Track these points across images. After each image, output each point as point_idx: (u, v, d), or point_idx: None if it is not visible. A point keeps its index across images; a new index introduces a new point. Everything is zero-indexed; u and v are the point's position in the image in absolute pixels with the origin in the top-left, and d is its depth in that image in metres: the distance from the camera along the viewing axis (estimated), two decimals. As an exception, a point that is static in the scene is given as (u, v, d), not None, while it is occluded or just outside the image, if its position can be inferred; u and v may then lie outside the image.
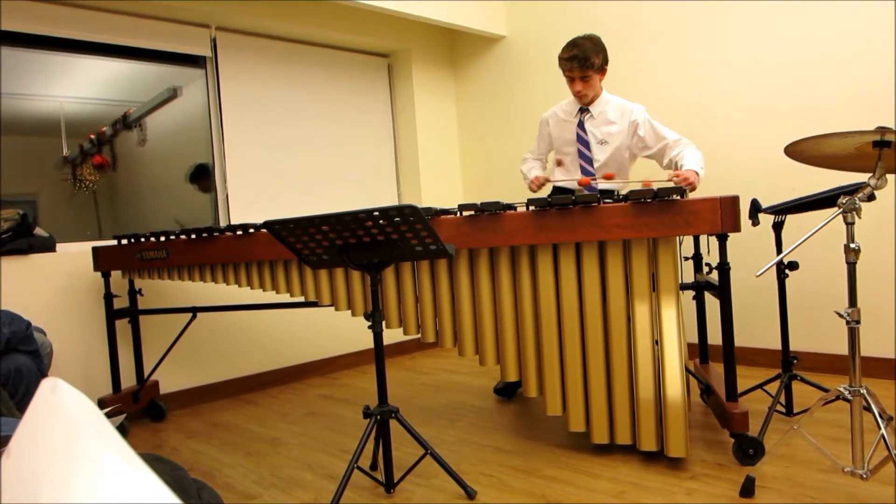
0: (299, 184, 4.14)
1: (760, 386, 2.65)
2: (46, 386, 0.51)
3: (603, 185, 2.88)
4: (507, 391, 3.18)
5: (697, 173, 2.57)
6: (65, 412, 0.48)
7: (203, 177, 3.85)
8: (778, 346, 2.71)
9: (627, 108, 2.90)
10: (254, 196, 3.93)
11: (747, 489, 1.89)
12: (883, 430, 1.62)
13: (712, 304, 2.61)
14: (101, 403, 3.06)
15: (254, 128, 3.94)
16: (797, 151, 1.75)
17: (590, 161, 2.94)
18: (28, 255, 3.02)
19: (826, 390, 2.15)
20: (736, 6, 3.39)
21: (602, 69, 2.85)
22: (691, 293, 2.81)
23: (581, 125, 2.96)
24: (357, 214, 1.83)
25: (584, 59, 2.77)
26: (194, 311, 3.11)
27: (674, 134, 2.82)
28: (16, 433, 0.49)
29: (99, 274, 3.16)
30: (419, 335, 2.45)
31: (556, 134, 3.05)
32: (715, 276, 2.33)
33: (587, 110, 2.95)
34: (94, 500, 0.40)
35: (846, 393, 1.69)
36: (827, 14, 3.10)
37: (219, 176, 3.85)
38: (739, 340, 3.21)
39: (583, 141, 2.95)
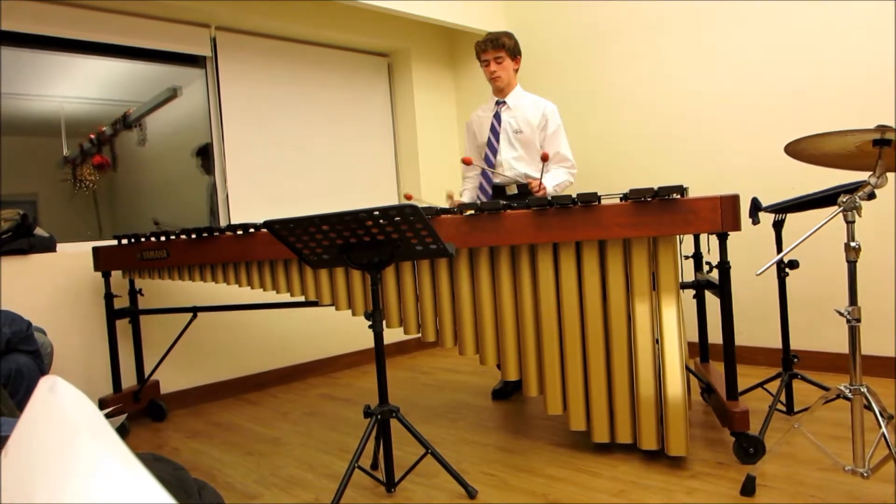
0: (299, 183, 4.14)
1: (761, 385, 2.65)
2: (44, 385, 0.51)
3: (499, 179, 3.09)
4: (504, 393, 3.18)
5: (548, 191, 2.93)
6: (62, 412, 0.48)
7: (209, 155, 3.85)
8: (778, 344, 2.70)
9: (541, 102, 3.11)
10: (254, 195, 3.92)
11: (748, 488, 1.89)
12: (884, 429, 1.62)
13: (713, 302, 2.61)
14: (102, 403, 3.06)
15: (254, 127, 3.94)
16: (797, 150, 1.75)
17: (495, 151, 3.09)
18: (28, 255, 3.02)
19: (827, 389, 2.15)
20: (736, 5, 3.38)
21: (515, 56, 3.09)
22: (692, 292, 2.81)
23: (497, 116, 3.12)
24: (357, 214, 1.82)
25: (495, 40, 3.03)
26: (195, 310, 3.11)
27: (568, 151, 3.07)
28: (14, 432, 0.48)
29: (99, 274, 3.15)
30: (419, 334, 2.45)
31: (479, 131, 3.20)
32: (715, 274, 2.33)
33: (504, 102, 3.12)
34: (89, 500, 0.40)
35: (847, 391, 1.69)
36: (827, 12, 3.09)
37: (219, 175, 3.85)
38: (740, 339, 3.21)
39: (494, 131, 3.10)
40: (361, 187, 4.48)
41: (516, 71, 3.13)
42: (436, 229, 1.92)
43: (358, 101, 4.50)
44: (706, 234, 2.63)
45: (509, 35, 3.07)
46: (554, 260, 2.26)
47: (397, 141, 4.74)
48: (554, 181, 3.00)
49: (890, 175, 1.71)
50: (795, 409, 2.54)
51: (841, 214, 1.65)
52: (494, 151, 3.09)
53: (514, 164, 3.06)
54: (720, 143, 3.48)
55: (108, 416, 0.84)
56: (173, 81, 3.75)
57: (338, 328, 4.06)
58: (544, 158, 2.87)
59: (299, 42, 4.18)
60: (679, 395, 2.10)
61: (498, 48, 3.02)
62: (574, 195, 2.15)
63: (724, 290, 2.22)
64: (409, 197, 2.89)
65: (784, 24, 3.23)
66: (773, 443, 2.06)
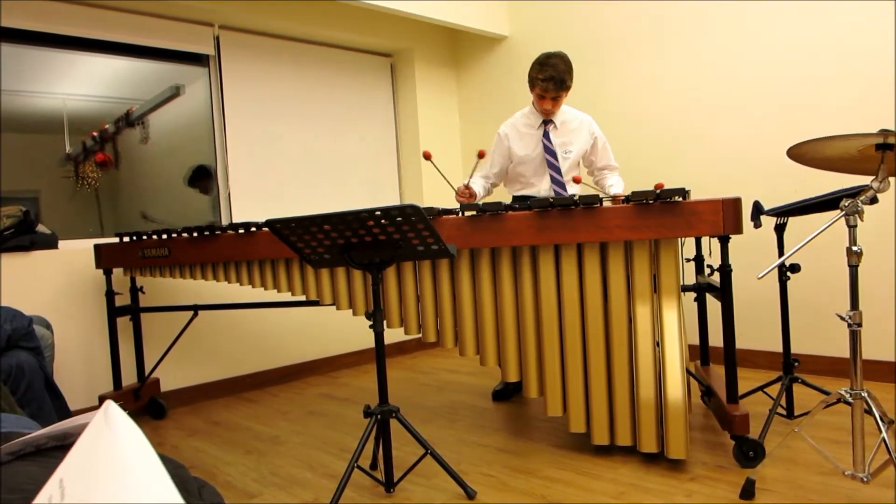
0: (301, 182, 4.14)
1: (761, 388, 2.65)
2: (101, 413, 0.52)
3: (571, 189, 3.01)
4: (505, 394, 3.18)
5: None
6: (116, 436, 0.49)
7: (202, 178, 3.85)
8: (779, 348, 2.70)
9: (585, 119, 3.03)
10: (256, 194, 3.93)
11: (747, 491, 1.89)
12: (884, 434, 1.62)
13: (714, 305, 2.61)
14: (102, 400, 3.07)
15: (256, 126, 3.94)
16: (800, 154, 1.75)
17: (559, 171, 2.98)
18: (30, 251, 3.03)
19: (827, 393, 2.16)
20: (739, 7, 3.38)
21: (569, 88, 2.89)
22: (693, 295, 2.80)
23: (546, 136, 2.99)
24: (359, 214, 1.83)
25: (560, 82, 2.82)
26: (195, 309, 3.12)
27: (614, 161, 3.09)
28: (73, 450, 0.49)
29: (101, 271, 3.16)
30: (420, 335, 2.45)
31: (517, 148, 3.02)
32: (716, 277, 2.33)
33: (550, 121, 2.99)
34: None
35: (847, 396, 1.69)
36: (830, 15, 3.09)
37: (221, 174, 3.85)
38: (741, 342, 3.21)
39: (550, 152, 2.98)
40: (363, 187, 4.48)
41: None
42: (437, 230, 1.92)
43: (360, 100, 4.50)
44: (708, 237, 2.63)
45: (569, 68, 2.84)
46: (555, 261, 2.26)
47: (399, 141, 4.74)
48: (621, 187, 2.99)
49: (892, 179, 1.70)
50: (796, 413, 2.54)
51: (843, 218, 1.65)
52: (559, 171, 2.97)
53: (554, 187, 3.00)
54: (722, 146, 3.48)
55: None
56: (176, 80, 3.75)
57: (338, 328, 4.06)
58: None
59: (302, 41, 4.19)
60: (679, 397, 2.10)
61: (560, 91, 2.83)
62: (576, 197, 2.15)
63: (725, 293, 2.22)
64: (427, 154, 2.75)
65: (786, 28, 3.23)
66: (773, 446, 2.06)
